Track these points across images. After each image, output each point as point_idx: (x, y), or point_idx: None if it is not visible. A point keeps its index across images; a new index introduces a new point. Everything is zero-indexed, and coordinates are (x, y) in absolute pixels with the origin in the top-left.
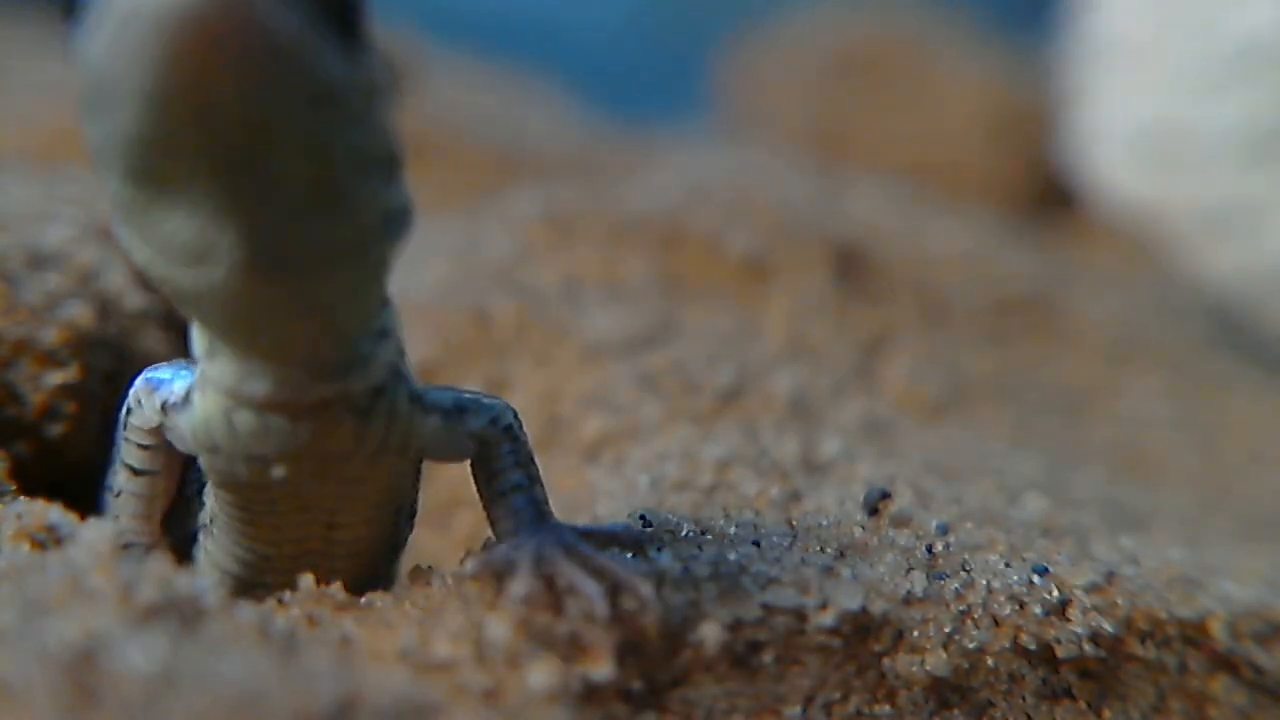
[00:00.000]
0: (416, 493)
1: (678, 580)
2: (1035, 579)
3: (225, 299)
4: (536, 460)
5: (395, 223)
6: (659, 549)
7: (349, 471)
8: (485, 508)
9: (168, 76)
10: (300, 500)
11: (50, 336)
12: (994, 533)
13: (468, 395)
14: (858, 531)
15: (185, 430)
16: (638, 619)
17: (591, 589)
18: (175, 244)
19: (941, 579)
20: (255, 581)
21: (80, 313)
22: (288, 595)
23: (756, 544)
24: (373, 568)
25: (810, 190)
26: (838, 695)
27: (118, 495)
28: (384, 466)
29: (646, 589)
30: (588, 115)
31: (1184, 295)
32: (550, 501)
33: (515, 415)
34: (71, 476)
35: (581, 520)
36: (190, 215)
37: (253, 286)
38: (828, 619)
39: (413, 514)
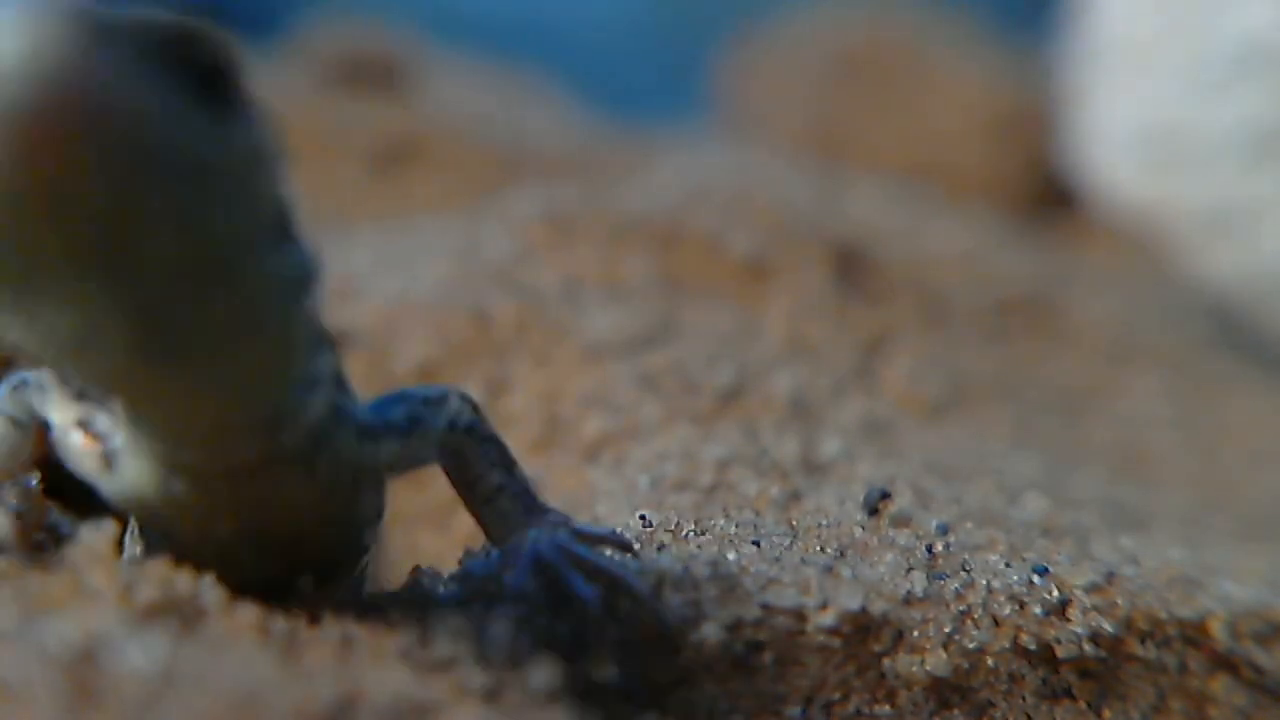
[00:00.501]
0: (383, 496)
1: (678, 580)
2: (1035, 579)
3: (121, 385)
4: (505, 443)
5: (293, 286)
6: (659, 549)
7: (302, 513)
8: (471, 513)
9: (10, 177)
10: (251, 544)
11: None
12: (994, 533)
13: (419, 403)
14: (858, 531)
15: (113, 495)
16: (635, 619)
17: (588, 590)
18: (56, 335)
19: (941, 579)
20: None
21: None
22: None
23: (756, 544)
24: (345, 573)
25: (810, 190)
26: (838, 695)
27: None
28: (340, 499)
29: (643, 589)
30: (588, 115)
31: (1184, 295)
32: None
33: (473, 406)
34: (71, 476)
35: (582, 519)
36: (67, 308)
37: (146, 372)
38: (828, 619)
39: (380, 513)
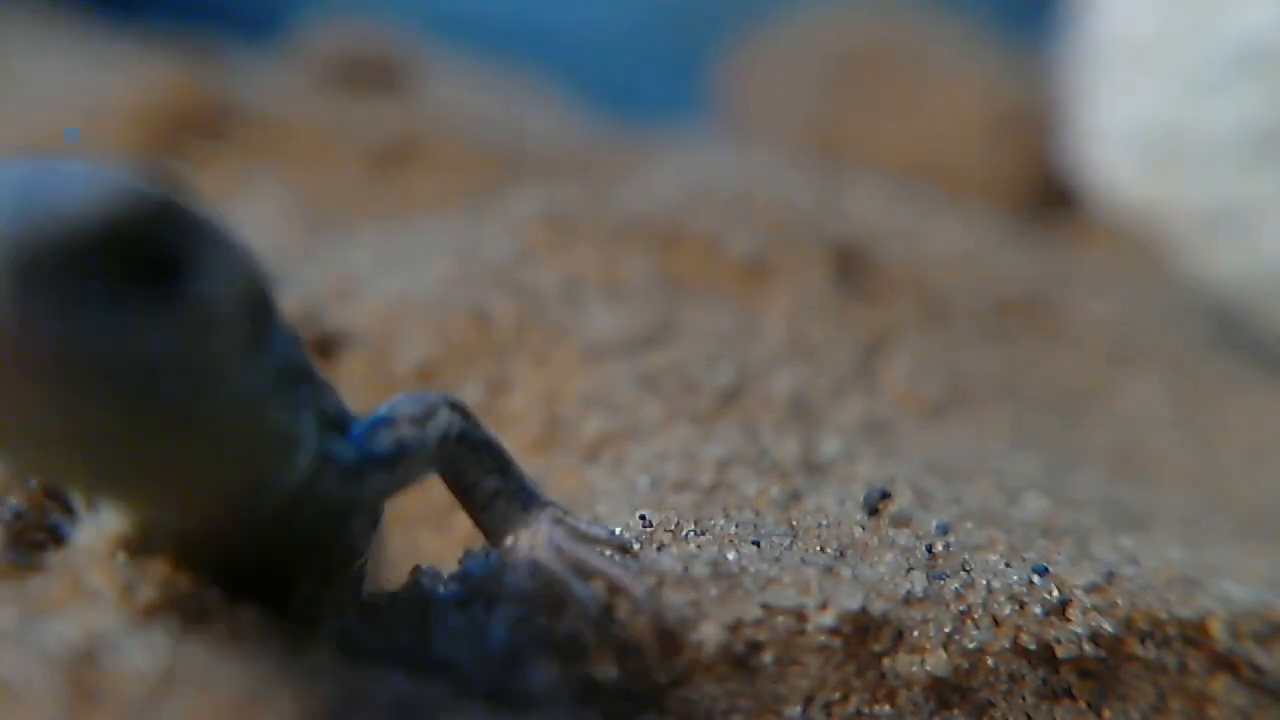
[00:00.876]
0: (379, 508)
1: (678, 580)
2: (1035, 579)
3: (93, 497)
4: (499, 443)
5: (268, 386)
6: (659, 549)
7: (286, 549)
8: (469, 515)
9: None
10: (237, 568)
11: None
12: (994, 533)
13: (407, 424)
14: (858, 531)
15: (97, 527)
16: (634, 620)
17: (585, 592)
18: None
19: (941, 579)
20: None
21: None
22: None
23: (756, 544)
24: (341, 575)
25: (810, 190)
26: (838, 695)
27: None
28: (328, 531)
29: (640, 590)
30: (588, 115)
31: (1184, 295)
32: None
33: (464, 412)
34: None
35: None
36: (35, 459)
37: (113, 492)
38: (828, 619)
39: (375, 522)
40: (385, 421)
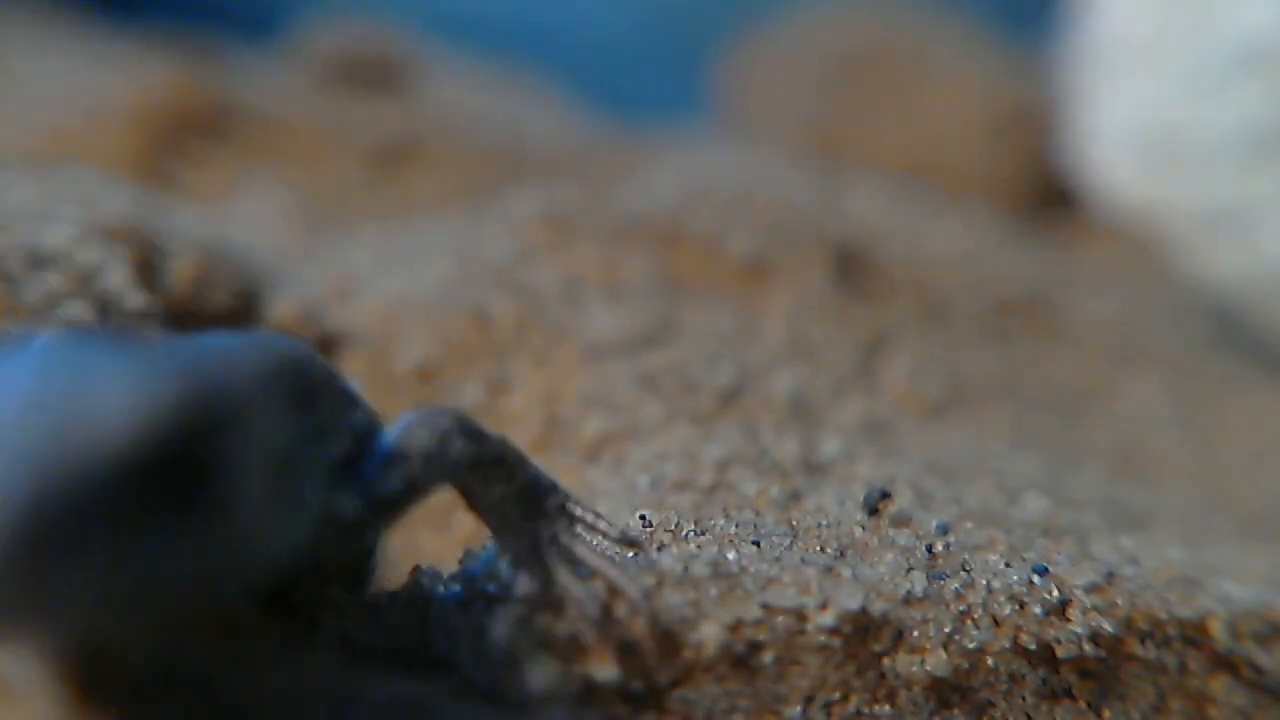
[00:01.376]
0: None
1: (678, 580)
2: (1035, 579)
3: None
4: (506, 451)
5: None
6: (659, 549)
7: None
8: (476, 515)
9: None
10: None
11: None
12: (994, 533)
13: (420, 463)
14: (858, 531)
15: None
16: (632, 621)
17: (584, 592)
18: None
19: (941, 579)
20: None
21: (80, 313)
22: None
23: (756, 544)
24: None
25: (810, 190)
26: (838, 695)
27: None
28: (330, 562)
29: (637, 592)
30: (588, 115)
31: (1184, 296)
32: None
33: (469, 434)
34: None
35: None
36: None
37: None
38: (828, 619)
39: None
40: (398, 457)
